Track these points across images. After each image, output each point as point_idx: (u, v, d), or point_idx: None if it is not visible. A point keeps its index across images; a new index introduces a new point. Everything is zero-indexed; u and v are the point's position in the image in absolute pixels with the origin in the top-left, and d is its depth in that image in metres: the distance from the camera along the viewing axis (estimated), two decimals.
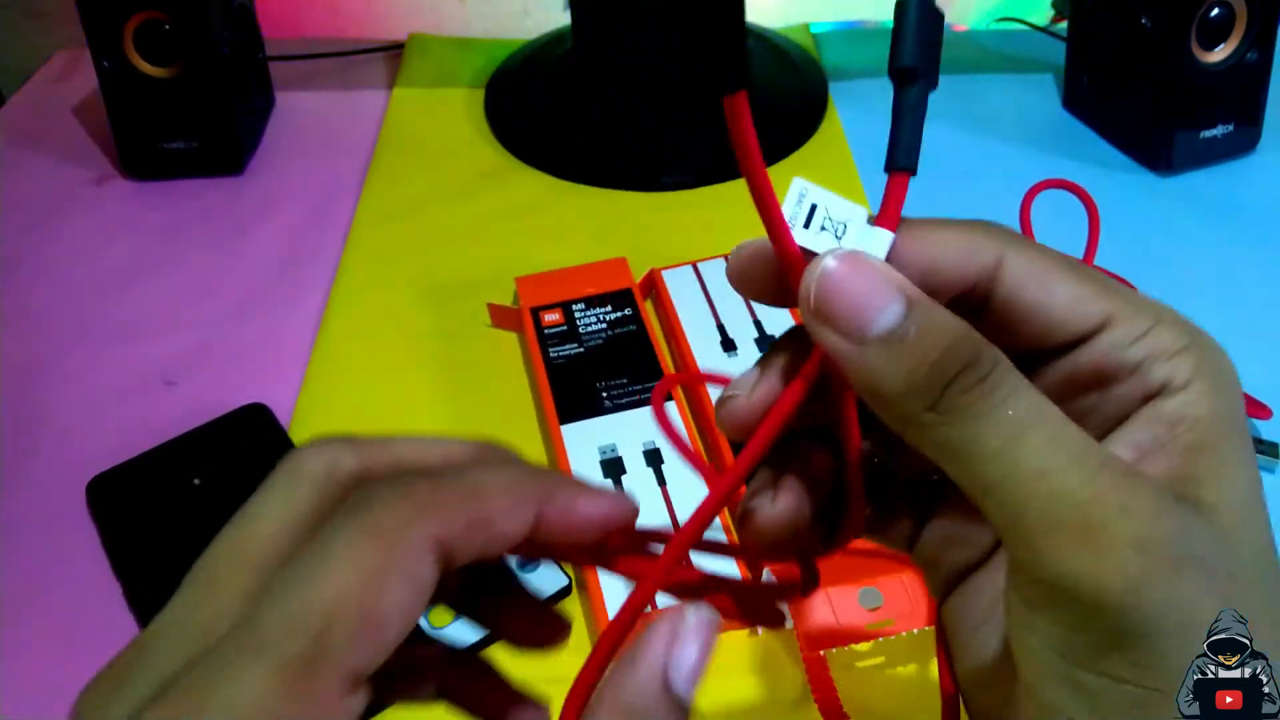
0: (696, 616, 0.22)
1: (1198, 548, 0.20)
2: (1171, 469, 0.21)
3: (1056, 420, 0.20)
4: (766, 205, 0.21)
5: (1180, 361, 0.22)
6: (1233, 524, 0.21)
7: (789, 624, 0.41)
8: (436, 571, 0.20)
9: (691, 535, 0.24)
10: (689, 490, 0.45)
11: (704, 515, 0.24)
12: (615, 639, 0.23)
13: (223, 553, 0.22)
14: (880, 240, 0.22)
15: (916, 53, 0.22)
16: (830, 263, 0.21)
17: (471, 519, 0.21)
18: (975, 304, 0.23)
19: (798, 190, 0.22)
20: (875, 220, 0.22)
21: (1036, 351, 0.23)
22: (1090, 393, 0.23)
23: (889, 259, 0.22)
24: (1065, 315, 0.22)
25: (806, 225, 0.22)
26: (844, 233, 0.22)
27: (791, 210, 0.22)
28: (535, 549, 0.23)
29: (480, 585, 0.25)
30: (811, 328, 0.22)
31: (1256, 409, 0.49)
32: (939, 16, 0.22)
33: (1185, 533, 0.20)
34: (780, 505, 0.26)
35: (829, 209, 0.22)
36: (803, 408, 0.24)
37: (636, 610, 0.23)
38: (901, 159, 0.22)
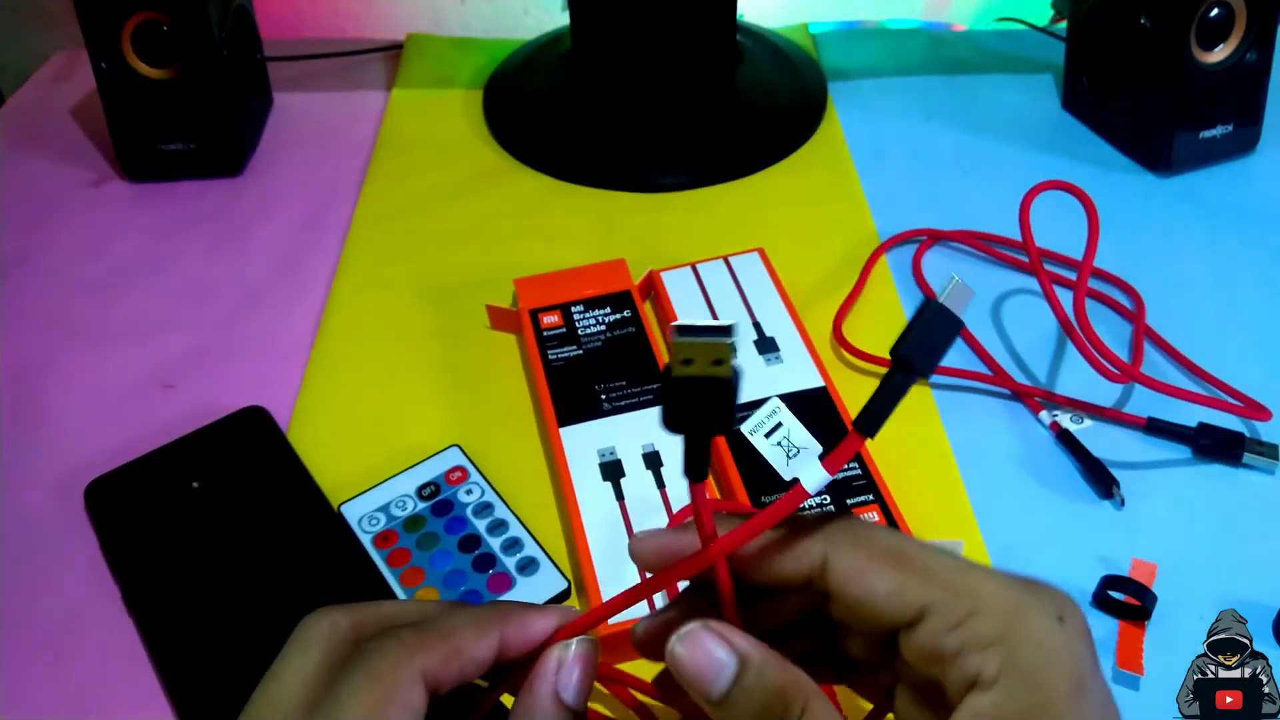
0: (578, 646, 0.28)
1: None
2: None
3: None
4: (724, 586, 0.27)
5: (991, 655, 0.24)
6: None
7: None
8: (426, 697, 0.26)
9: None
10: (687, 494, 0.45)
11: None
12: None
13: (256, 709, 0.27)
14: (818, 477, 0.26)
15: (918, 350, 0.25)
16: (673, 643, 0.26)
17: (448, 653, 0.27)
18: (821, 590, 0.27)
19: (771, 406, 0.27)
20: (823, 461, 0.26)
21: (884, 631, 0.26)
22: (936, 664, 0.25)
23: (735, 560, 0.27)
24: (885, 607, 0.26)
25: (768, 436, 0.27)
26: (795, 455, 0.27)
27: (760, 420, 0.27)
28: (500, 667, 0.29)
29: (459, 703, 0.30)
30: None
31: (1255, 410, 0.49)
32: (955, 325, 0.25)
33: None
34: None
35: (790, 433, 0.27)
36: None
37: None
38: (864, 426, 0.25)
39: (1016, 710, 0.23)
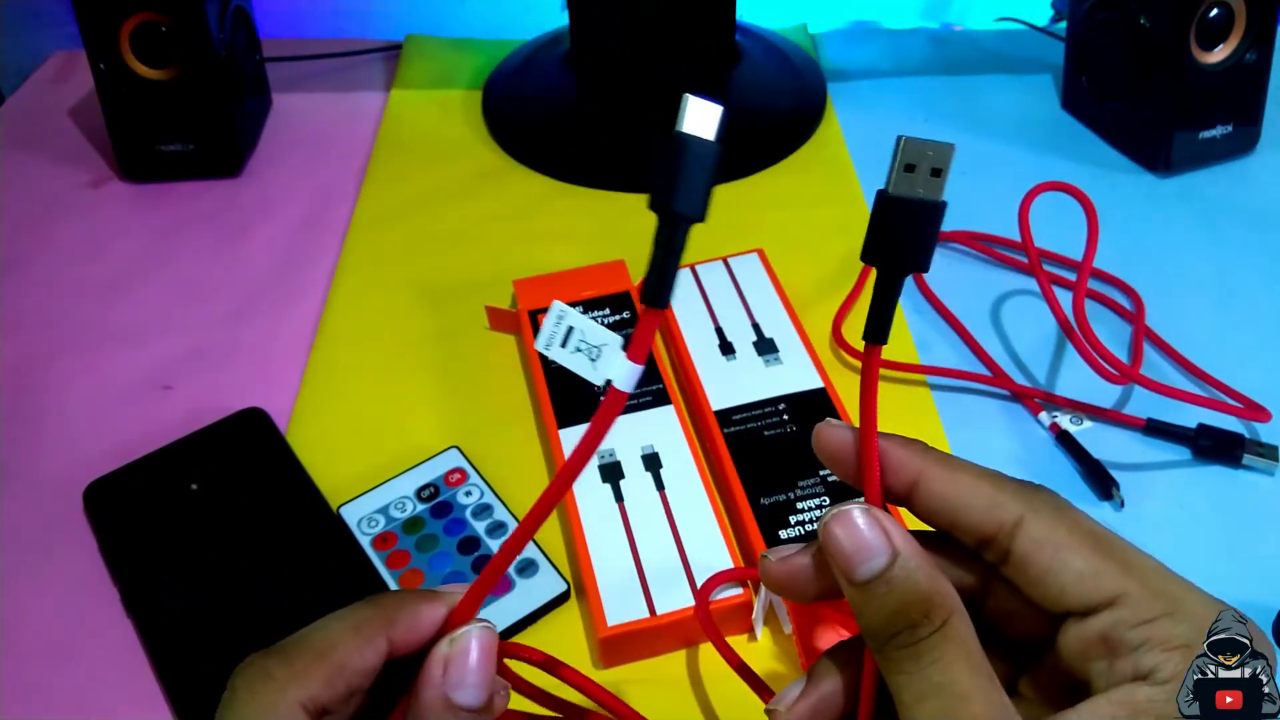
0: (464, 638, 0.26)
1: None
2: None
3: (955, 698, 0.24)
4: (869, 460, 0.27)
5: (1173, 656, 0.23)
6: None
7: (788, 629, 0.41)
8: None
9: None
10: (687, 495, 0.45)
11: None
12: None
13: None
14: (627, 370, 0.24)
15: (678, 191, 0.22)
16: (829, 517, 0.26)
17: (329, 673, 0.25)
18: (999, 554, 0.26)
19: (556, 312, 0.25)
20: (627, 351, 0.24)
21: (1053, 610, 0.25)
22: (1101, 658, 0.25)
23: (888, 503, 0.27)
24: (1073, 587, 0.25)
25: (563, 345, 0.25)
26: (598, 356, 0.25)
27: (550, 330, 0.25)
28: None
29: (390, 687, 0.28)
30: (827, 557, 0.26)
31: (1255, 411, 0.49)
32: (714, 152, 0.23)
33: None
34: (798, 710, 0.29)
35: (585, 333, 0.25)
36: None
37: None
38: (650, 298, 0.23)
39: (1173, 713, 0.23)
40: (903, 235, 0.25)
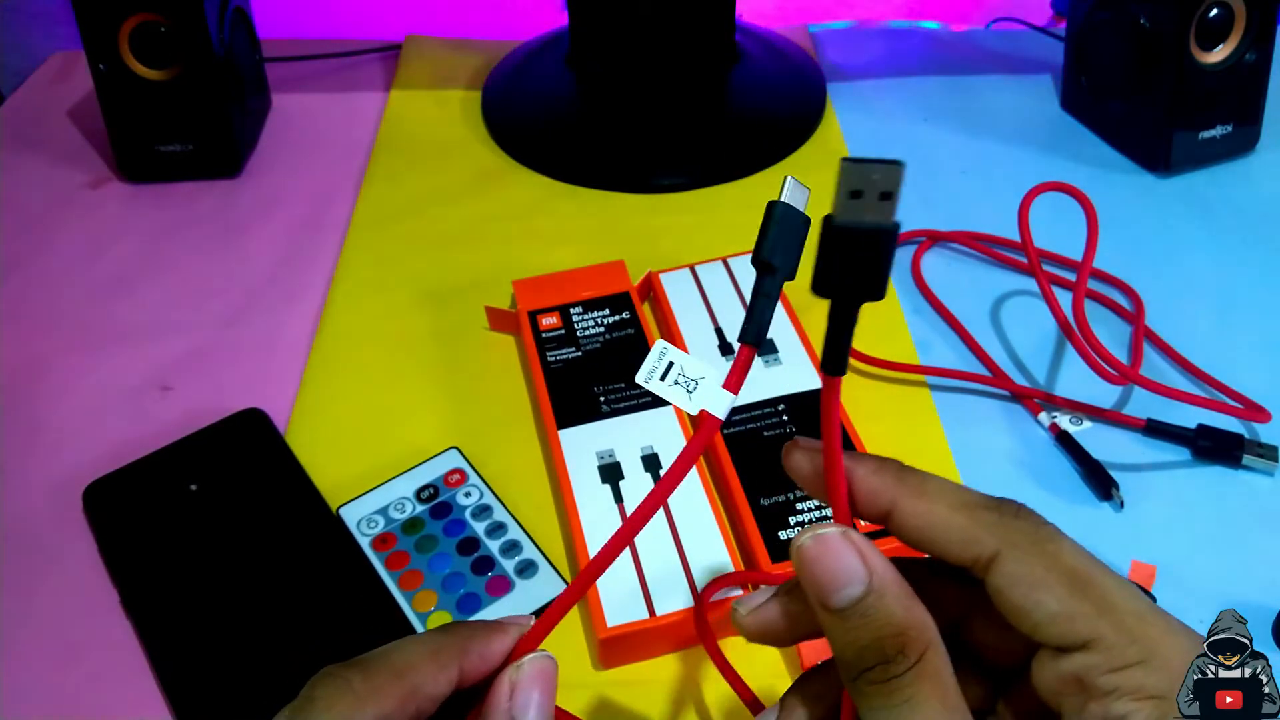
0: (530, 665, 0.27)
1: None
2: None
3: None
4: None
5: (1147, 708, 0.23)
6: None
7: None
8: None
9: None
10: (687, 496, 0.45)
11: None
12: None
13: None
14: (722, 401, 0.26)
15: (776, 252, 0.25)
16: (805, 538, 0.25)
17: (404, 694, 0.25)
18: (977, 580, 0.25)
19: (659, 349, 0.26)
20: (725, 384, 0.26)
21: (1027, 641, 0.25)
22: (1074, 694, 0.24)
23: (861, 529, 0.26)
24: (1047, 627, 0.24)
25: (663, 378, 0.26)
26: (695, 388, 0.26)
27: (651, 365, 0.26)
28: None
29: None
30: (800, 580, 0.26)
31: (1255, 412, 0.49)
32: (804, 222, 0.25)
33: None
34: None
35: (684, 367, 0.26)
36: None
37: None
38: (750, 336, 0.25)
39: None
40: (854, 264, 0.24)
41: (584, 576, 0.27)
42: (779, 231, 0.25)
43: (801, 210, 0.25)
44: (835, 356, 0.25)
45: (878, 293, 0.24)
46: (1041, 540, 0.25)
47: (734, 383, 0.25)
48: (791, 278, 0.25)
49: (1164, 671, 0.23)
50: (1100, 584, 0.24)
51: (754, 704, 0.37)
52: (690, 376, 0.25)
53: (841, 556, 0.24)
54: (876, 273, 0.23)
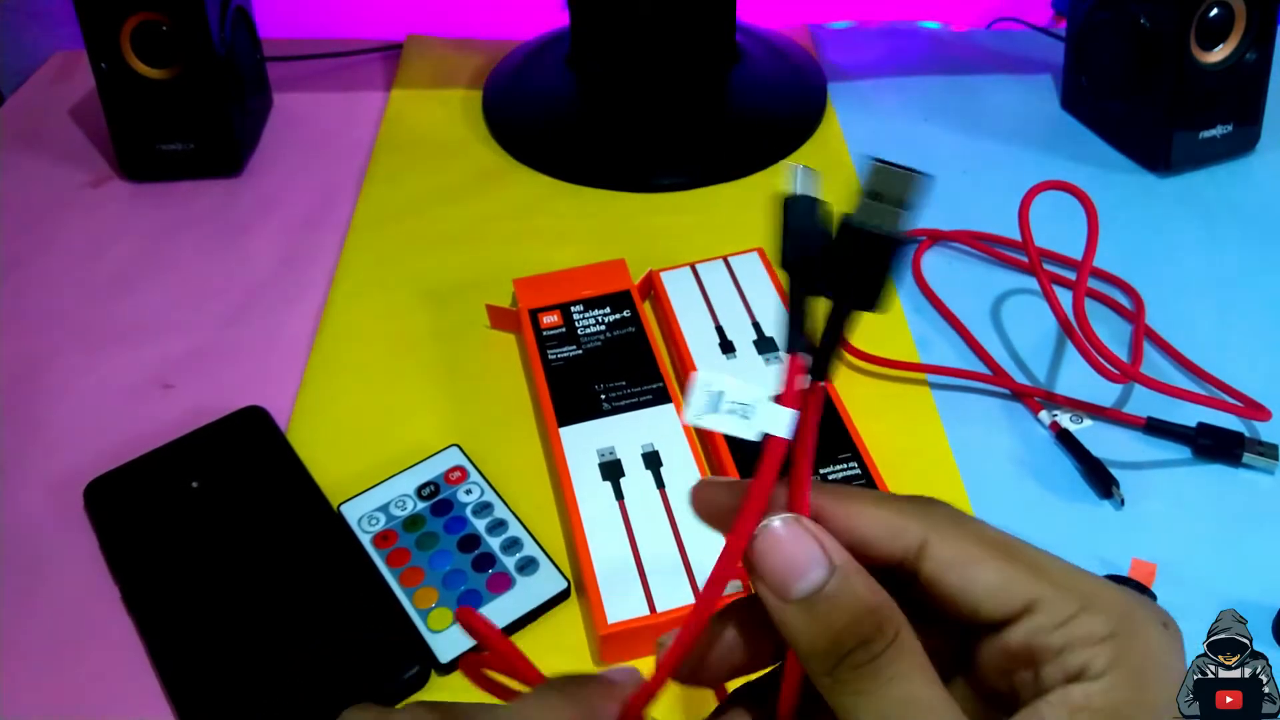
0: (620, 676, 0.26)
1: None
2: None
3: (923, 710, 0.22)
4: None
5: (1101, 650, 0.23)
6: None
7: None
8: None
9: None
10: (688, 493, 0.45)
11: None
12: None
13: None
14: (784, 420, 0.24)
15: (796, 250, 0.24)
16: (768, 527, 0.24)
17: None
18: (908, 574, 0.25)
19: (700, 383, 0.24)
20: (779, 399, 0.24)
21: (970, 626, 0.24)
22: (1025, 668, 0.24)
23: (818, 518, 0.24)
24: (987, 601, 0.24)
25: (715, 411, 0.24)
26: (751, 414, 0.24)
27: (698, 402, 0.24)
28: None
29: None
30: (751, 579, 0.24)
31: (1255, 410, 0.49)
32: (819, 207, 0.24)
33: None
34: None
35: (732, 393, 0.24)
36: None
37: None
38: (794, 343, 0.24)
39: (1115, 704, 0.22)
40: (856, 267, 0.23)
41: (693, 617, 0.25)
42: (798, 230, 0.24)
43: (816, 196, 0.24)
44: (823, 361, 0.24)
45: (870, 302, 0.23)
46: (962, 522, 0.25)
47: (790, 398, 0.24)
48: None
49: (1108, 613, 0.23)
50: (1026, 551, 0.24)
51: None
52: (740, 401, 0.24)
53: (797, 542, 0.23)
54: (874, 281, 0.23)
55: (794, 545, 0.23)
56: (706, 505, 0.27)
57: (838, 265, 0.23)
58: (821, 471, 0.45)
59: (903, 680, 0.23)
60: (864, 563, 0.24)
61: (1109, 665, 0.23)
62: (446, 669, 0.41)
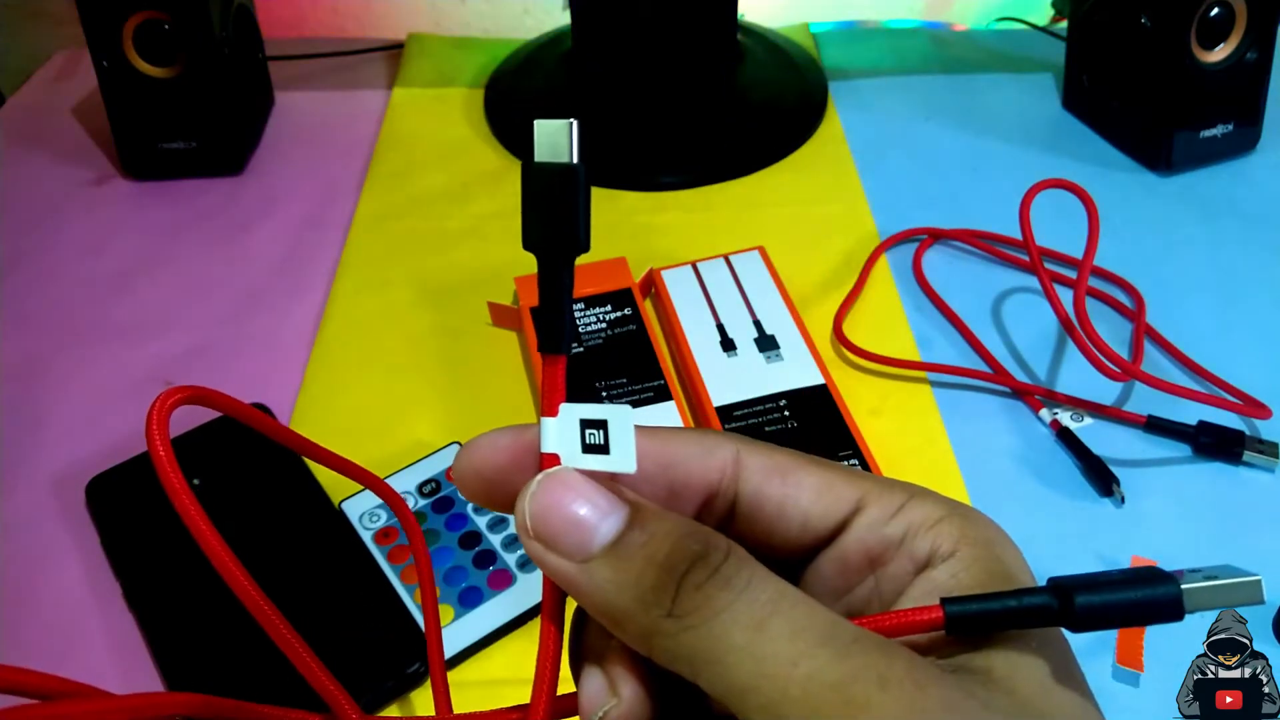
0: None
1: (981, 716, 0.18)
2: (951, 641, 0.20)
3: (799, 602, 0.19)
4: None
5: (943, 529, 0.22)
6: (1029, 693, 0.19)
7: None
8: None
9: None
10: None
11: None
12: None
13: None
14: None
15: (538, 223, 0.22)
16: (536, 485, 0.21)
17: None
18: (724, 511, 0.23)
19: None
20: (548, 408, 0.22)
21: (799, 549, 0.23)
22: (866, 576, 0.22)
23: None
24: (815, 504, 0.22)
25: (584, 451, 0.21)
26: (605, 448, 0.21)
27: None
28: None
29: None
30: (536, 556, 0.20)
31: (1255, 408, 0.49)
32: (571, 174, 0.22)
33: (963, 701, 0.18)
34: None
35: (584, 420, 0.22)
36: None
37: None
38: (549, 345, 0.22)
39: (978, 576, 0.21)
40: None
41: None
42: (536, 199, 0.22)
43: (564, 161, 0.22)
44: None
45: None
46: (769, 443, 0.23)
47: (550, 405, 0.22)
48: (587, 248, 0.22)
49: (934, 498, 0.22)
50: (837, 464, 0.23)
51: None
52: (596, 427, 0.21)
53: (576, 491, 0.20)
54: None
55: (577, 496, 0.20)
56: (474, 480, 0.23)
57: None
58: None
59: (761, 582, 0.19)
60: (682, 497, 0.23)
61: (957, 542, 0.21)
62: (448, 665, 0.41)
